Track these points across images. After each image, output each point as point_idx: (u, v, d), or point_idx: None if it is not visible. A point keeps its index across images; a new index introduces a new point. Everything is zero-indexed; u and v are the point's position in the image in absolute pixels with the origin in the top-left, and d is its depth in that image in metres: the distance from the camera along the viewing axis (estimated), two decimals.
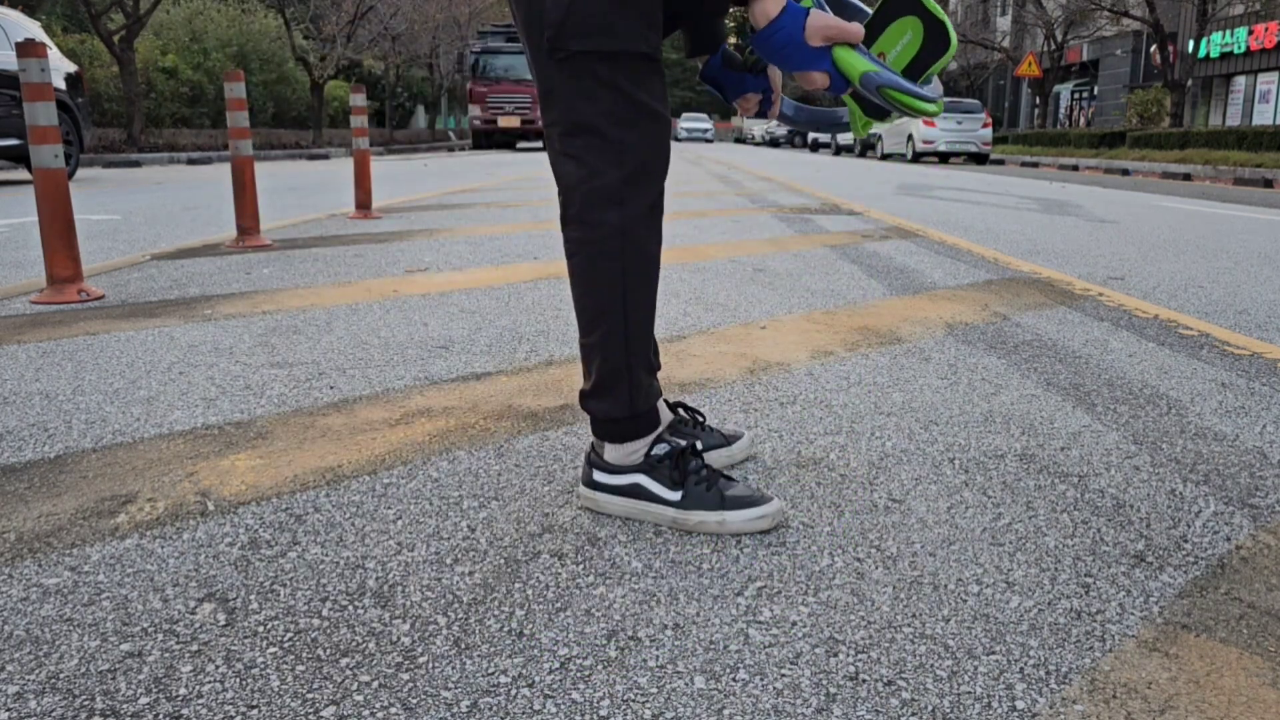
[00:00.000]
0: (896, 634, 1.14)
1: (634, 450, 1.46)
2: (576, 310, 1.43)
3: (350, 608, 1.19)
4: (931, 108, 1.28)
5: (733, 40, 1.63)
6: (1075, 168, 18.13)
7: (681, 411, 1.70)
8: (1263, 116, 23.98)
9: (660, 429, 1.48)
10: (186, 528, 1.42)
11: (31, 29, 9.41)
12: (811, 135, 31.65)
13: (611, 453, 1.47)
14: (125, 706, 0.99)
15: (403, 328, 2.85)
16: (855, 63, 1.24)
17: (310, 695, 1.01)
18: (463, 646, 1.11)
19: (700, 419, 1.70)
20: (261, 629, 1.14)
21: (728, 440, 1.71)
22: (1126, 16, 23.40)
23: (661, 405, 1.64)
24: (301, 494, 1.55)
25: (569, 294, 3.44)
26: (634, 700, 1.01)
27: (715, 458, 1.68)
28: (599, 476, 1.47)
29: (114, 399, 2.09)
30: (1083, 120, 34.02)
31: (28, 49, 3.20)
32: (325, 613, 1.18)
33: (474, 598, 1.22)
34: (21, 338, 2.70)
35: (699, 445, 1.66)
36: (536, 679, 1.04)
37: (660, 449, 1.44)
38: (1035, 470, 1.70)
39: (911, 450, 1.80)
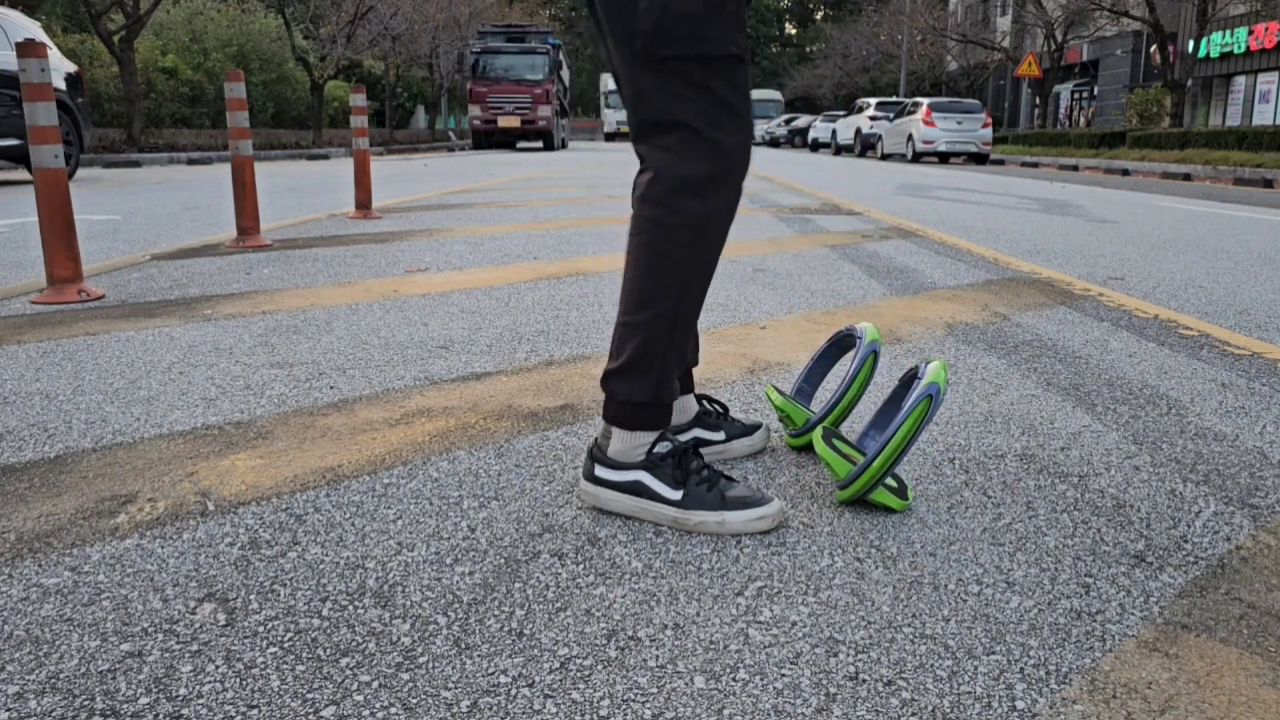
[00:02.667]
0: (896, 634, 1.14)
1: (640, 443, 1.45)
2: (628, 288, 1.42)
3: (350, 608, 1.19)
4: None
5: None
6: (1075, 168, 18.13)
7: (706, 403, 1.74)
8: (1263, 116, 23.98)
9: (665, 429, 1.48)
10: (186, 528, 1.42)
11: (31, 29, 9.40)
12: (811, 135, 31.63)
13: (618, 443, 1.47)
14: (125, 706, 0.99)
15: (403, 328, 2.85)
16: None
17: (310, 695, 1.01)
18: (463, 646, 1.11)
19: (723, 410, 1.75)
20: (261, 629, 1.14)
21: (749, 430, 1.76)
22: (1126, 16, 23.40)
23: (688, 397, 1.69)
24: (301, 494, 1.55)
25: (569, 294, 3.44)
26: (634, 700, 1.01)
27: (739, 447, 1.74)
28: (601, 472, 1.47)
29: (114, 399, 2.09)
30: (1083, 120, 34.02)
31: (28, 49, 3.20)
32: (325, 613, 1.18)
33: (474, 598, 1.22)
34: (21, 338, 2.70)
35: (723, 435, 1.72)
36: (536, 679, 1.04)
37: (662, 447, 1.45)
38: (1035, 470, 1.70)
39: (911, 450, 1.80)
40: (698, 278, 1.40)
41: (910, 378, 1.53)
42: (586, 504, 1.50)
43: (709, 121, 1.33)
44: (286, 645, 1.10)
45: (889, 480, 1.51)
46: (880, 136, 23.39)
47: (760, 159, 21.55)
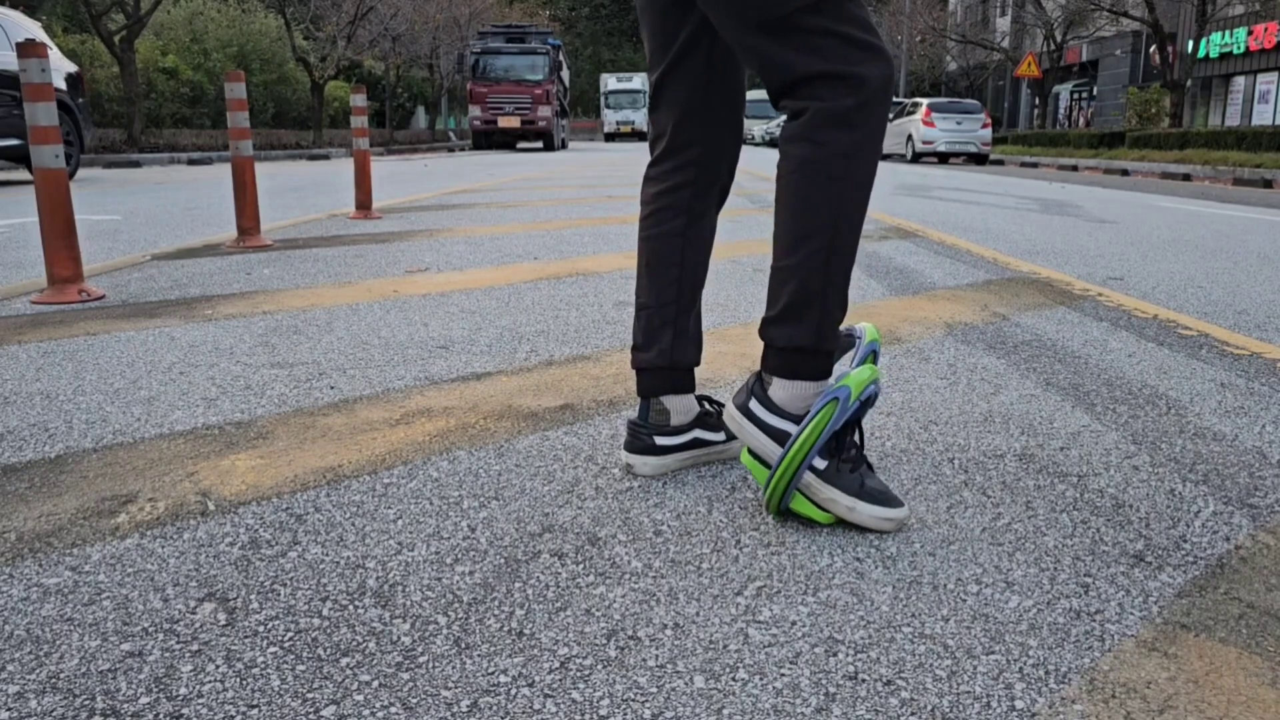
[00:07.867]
0: (896, 634, 1.15)
1: (803, 395, 1.43)
2: (780, 231, 1.42)
3: (350, 607, 1.19)
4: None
5: None
6: (1075, 168, 18.13)
7: (707, 404, 1.73)
8: (1262, 117, 23.98)
9: (827, 378, 1.46)
10: (187, 527, 1.42)
11: (32, 29, 9.41)
12: None
13: (781, 391, 1.44)
14: (126, 706, 0.99)
15: (403, 328, 2.86)
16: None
17: (310, 695, 1.01)
18: (463, 646, 1.11)
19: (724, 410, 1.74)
20: (262, 629, 1.14)
21: None
22: (1126, 17, 23.40)
23: (689, 397, 1.68)
24: (302, 494, 1.55)
25: (569, 294, 3.44)
26: (634, 700, 1.01)
27: (739, 447, 1.72)
28: (757, 408, 1.44)
29: (114, 399, 2.09)
30: (1082, 120, 34.02)
31: (28, 49, 3.20)
32: (325, 612, 1.18)
33: (474, 597, 1.22)
34: (22, 338, 2.70)
35: (723, 436, 1.71)
36: (536, 678, 1.05)
37: None
38: (1035, 470, 1.71)
39: (911, 450, 1.80)
40: (851, 212, 1.39)
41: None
42: (730, 429, 1.49)
43: (844, 60, 1.34)
44: (287, 645, 1.11)
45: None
46: None
47: (760, 159, 21.53)
